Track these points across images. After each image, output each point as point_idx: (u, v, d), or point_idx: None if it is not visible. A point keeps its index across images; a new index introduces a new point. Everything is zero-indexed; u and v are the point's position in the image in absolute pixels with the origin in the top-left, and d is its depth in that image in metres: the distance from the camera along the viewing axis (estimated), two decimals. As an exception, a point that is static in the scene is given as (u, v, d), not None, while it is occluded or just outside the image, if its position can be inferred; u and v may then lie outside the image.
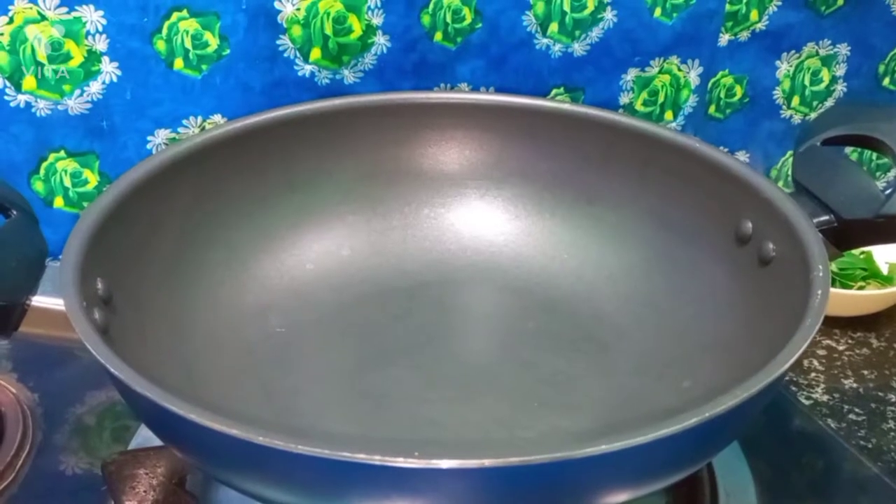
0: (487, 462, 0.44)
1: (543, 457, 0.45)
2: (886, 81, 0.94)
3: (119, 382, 0.49)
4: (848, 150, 0.87)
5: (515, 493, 0.47)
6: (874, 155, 0.97)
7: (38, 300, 0.56)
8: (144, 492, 0.60)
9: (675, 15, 0.84)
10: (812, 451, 0.73)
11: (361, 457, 0.44)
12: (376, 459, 0.44)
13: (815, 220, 0.62)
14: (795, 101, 0.93)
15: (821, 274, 0.57)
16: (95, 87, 0.76)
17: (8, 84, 0.74)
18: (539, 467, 0.45)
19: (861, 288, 0.86)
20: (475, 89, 0.83)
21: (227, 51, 0.77)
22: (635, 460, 0.47)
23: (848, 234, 0.63)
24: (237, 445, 0.45)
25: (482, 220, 0.78)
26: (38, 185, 0.79)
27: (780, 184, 0.77)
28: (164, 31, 0.75)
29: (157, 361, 0.56)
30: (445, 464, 0.44)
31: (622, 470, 0.48)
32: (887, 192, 0.62)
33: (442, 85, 0.83)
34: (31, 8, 0.72)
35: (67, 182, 0.79)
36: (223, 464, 0.50)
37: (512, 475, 0.45)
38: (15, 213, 0.58)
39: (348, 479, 0.46)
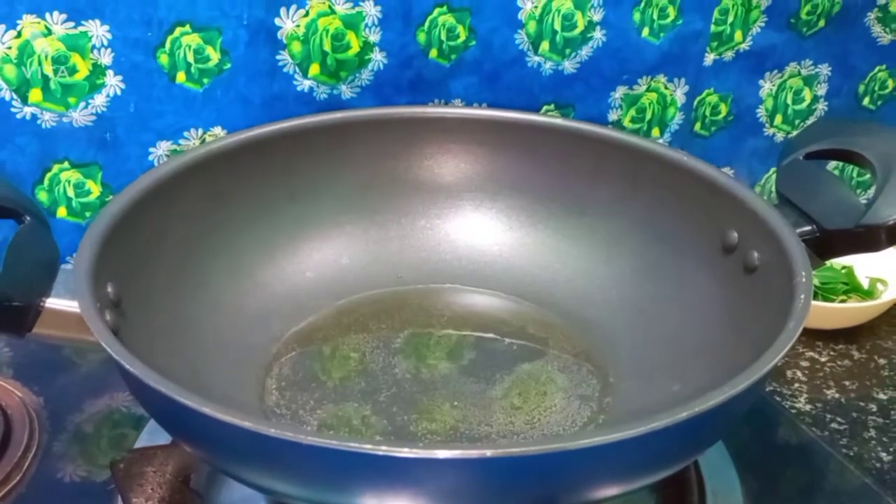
0: (489, 452, 0.46)
1: (541, 448, 0.46)
2: (866, 101, 0.96)
3: (133, 379, 0.50)
4: (830, 166, 0.89)
5: (515, 483, 0.48)
6: (855, 172, 0.99)
7: (51, 302, 0.58)
8: (151, 490, 0.61)
9: (662, 35, 0.86)
10: (795, 455, 0.74)
11: (368, 448, 0.45)
12: (382, 450, 0.45)
13: (798, 231, 0.64)
14: (778, 119, 0.95)
15: (803, 280, 0.58)
16: (100, 100, 0.77)
17: (14, 96, 0.75)
18: (537, 458, 0.46)
19: (842, 301, 0.88)
20: (468, 105, 0.85)
21: (228, 65, 0.78)
22: (628, 453, 0.49)
23: (829, 243, 0.65)
24: (249, 438, 0.47)
25: (477, 231, 0.80)
26: (42, 195, 0.80)
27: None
28: (168, 45, 0.76)
29: (163, 363, 0.57)
30: (448, 454, 0.46)
31: (615, 463, 0.50)
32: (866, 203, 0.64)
33: (436, 100, 0.84)
34: (38, 22, 0.74)
35: (71, 192, 0.80)
36: (234, 457, 0.51)
37: (511, 465, 0.47)
38: (28, 218, 0.60)
39: (354, 470, 0.47)
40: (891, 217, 0.62)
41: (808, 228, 0.65)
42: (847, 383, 0.82)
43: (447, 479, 0.48)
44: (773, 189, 0.74)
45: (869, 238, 0.63)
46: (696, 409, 0.49)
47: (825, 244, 0.65)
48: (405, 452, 0.45)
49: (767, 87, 0.93)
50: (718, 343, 0.65)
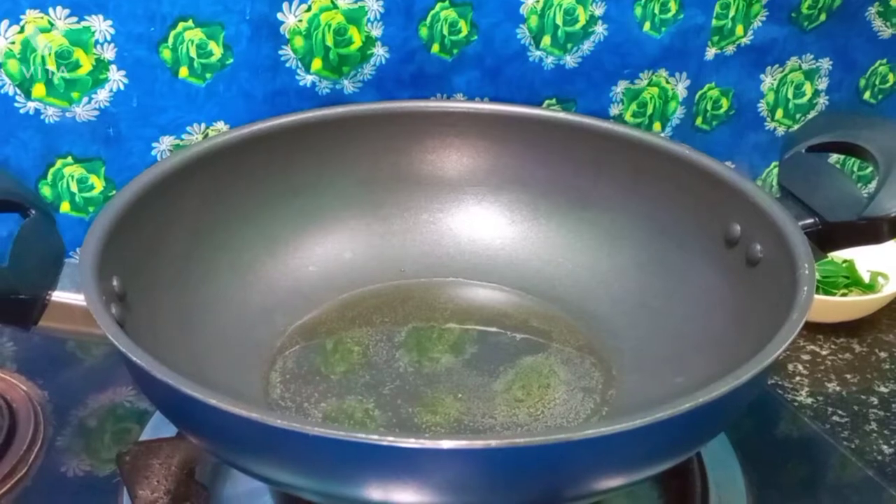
0: (494, 443, 0.46)
1: (546, 438, 0.47)
2: (867, 95, 0.97)
3: (141, 371, 0.50)
4: (831, 159, 0.89)
5: (520, 474, 0.48)
6: (856, 166, 0.99)
7: (56, 295, 0.58)
8: (157, 482, 0.61)
9: (663, 29, 0.86)
10: (797, 447, 0.74)
11: (374, 438, 0.46)
12: (388, 441, 0.46)
13: (801, 223, 0.64)
14: (779, 113, 0.95)
15: (806, 272, 0.59)
16: (103, 95, 0.77)
17: (18, 91, 0.76)
18: (542, 449, 0.46)
19: (844, 295, 0.88)
20: (470, 99, 0.85)
21: (231, 60, 0.78)
22: (631, 444, 0.49)
23: (832, 235, 0.65)
24: (255, 429, 0.47)
25: (479, 225, 0.80)
26: (46, 190, 0.80)
27: (766, 192, 0.78)
28: (170, 40, 0.76)
29: (167, 357, 0.58)
30: (453, 444, 0.46)
31: (619, 454, 0.50)
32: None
33: (438, 95, 0.85)
34: (41, 17, 0.74)
35: (74, 187, 0.81)
36: (240, 448, 0.51)
37: (516, 456, 0.47)
38: (33, 212, 0.60)
39: (360, 461, 0.47)
40: (893, 209, 0.63)
41: (810, 221, 0.65)
42: (848, 376, 0.82)
43: (452, 470, 0.48)
44: (774, 184, 0.74)
45: (871, 230, 0.64)
46: (699, 400, 0.49)
47: (827, 237, 0.65)
48: (411, 443, 0.46)
49: (768, 81, 0.93)
50: (721, 335, 0.65)
